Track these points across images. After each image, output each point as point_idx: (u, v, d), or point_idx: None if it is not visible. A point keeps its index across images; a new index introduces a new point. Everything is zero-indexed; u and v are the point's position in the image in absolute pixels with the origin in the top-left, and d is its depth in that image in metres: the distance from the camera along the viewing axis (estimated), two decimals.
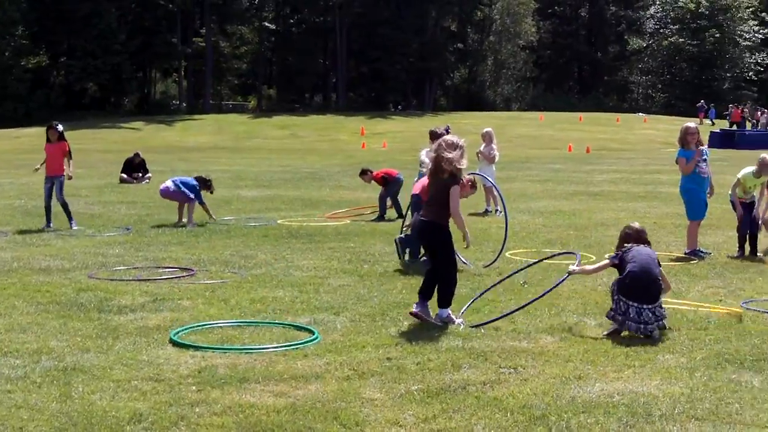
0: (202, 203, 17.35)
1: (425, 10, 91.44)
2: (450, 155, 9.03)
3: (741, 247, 13.87)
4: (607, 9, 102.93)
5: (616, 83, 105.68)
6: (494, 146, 20.01)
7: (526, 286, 11.14)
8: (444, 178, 9.10)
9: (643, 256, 8.95)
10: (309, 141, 59.57)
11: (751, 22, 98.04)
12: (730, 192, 14.15)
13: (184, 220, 17.10)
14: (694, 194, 13.91)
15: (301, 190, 25.28)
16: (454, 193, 9.03)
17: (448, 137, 9.31)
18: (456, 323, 8.95)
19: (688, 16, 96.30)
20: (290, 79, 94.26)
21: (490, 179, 17.74)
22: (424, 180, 12.87)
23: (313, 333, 8.56)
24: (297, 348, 8.07)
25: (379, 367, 7.51)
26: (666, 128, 63.51)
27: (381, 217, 18.52)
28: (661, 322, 8.68)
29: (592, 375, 7.32)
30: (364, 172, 19.74)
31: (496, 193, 17.94)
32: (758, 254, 13.71)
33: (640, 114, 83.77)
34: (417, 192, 13.09)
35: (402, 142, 56.29)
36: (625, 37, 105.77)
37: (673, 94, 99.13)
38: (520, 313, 9.41)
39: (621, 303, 8.68)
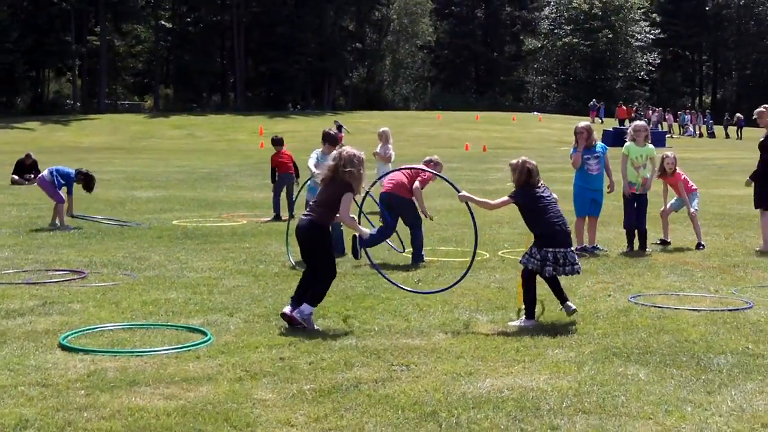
0: (69, 194, 16.81)
1: (323, 9, 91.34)
2: (351, 170, 8.99)
3: (629, 243, 14.17)
4: (502, 10, 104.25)
5: (512, 83, 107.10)
6: (390, 146, 20.11)
7: (420, 283, 11.22)
8: (339, 187, 9.05)
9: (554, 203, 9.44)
10: (207, 141, 59.07)
11: (643, 23, 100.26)
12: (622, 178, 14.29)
13: (58, 221, 16.67)
14: (581, 191, 14.17)
15: (198, 191, 25.05)
16: (346, 200, 9.00)
17: (347, 151, 9.21)
18: (313, 328, 8.86)
19: (582, 17, 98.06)
20: (188, 78, 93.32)
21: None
22: (397, 175, 12.95)
23: (205, 334, 8.49)
24: (189, 350, 7.99)
25: (272, 367, 7.48)
26: (560, 127, 64.63)
27: (277, 217, 18.45)
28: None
29: (482, 371, 7.41)
30: (278, 142, 19.32)
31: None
32: (647, 249, 14.01)
33: (536, 113, 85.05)
34: (387, 190, 13.13)
35: (301, 141, 56.06)
36: (521, 37, 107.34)
37: (567, 93, 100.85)
38: (414, 311, 9.51)
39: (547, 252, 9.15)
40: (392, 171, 13.71)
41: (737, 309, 9.82)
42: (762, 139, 14.43)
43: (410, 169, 13.23)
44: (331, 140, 13.93)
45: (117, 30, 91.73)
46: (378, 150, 20.04)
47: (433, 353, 7.95)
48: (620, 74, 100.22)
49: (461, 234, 15.96)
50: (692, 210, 14.78)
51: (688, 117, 79.14)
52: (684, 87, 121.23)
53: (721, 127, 76.59)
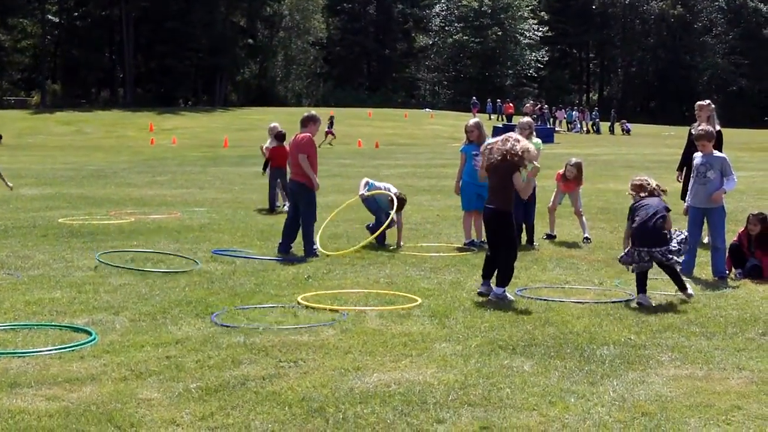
0: None
1: (214, 4, 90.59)
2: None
3: (518, 236, 14.35)
4: (394, 7, 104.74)
5: (404, 79, 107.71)
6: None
7: (310, 280, 11.21)
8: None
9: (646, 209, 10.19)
10: (95, 137, 57.97)
11: (531, 21, 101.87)
12: None
13: None
14: (467, 186, 14.31)
15: (85, 188, 24.58)
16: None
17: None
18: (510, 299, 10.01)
19: (472, 15, 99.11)
20: (75, 73, 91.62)
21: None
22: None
23: (90, 334, 8.34)
24: (73, 350, 7.84)
25: (158, 366, 7.38)
26: (452, 123, 65.23)
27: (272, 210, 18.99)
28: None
29: (370, 366, 7.43)
30: (282, 137, 18.84)
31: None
32: (534, 243, 14.23)
33: (427, 110, 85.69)
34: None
35: (192, 138, 55.67)
36: (412, 34, 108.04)
37: (458, 90, 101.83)
38: (301, 308, 9.50)
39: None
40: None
41: (620, 300, 10.04)
42: (693, 132, 14.70)
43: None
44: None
45: (2, 24, 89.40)
46: (267, 145, 19.96)
47: (321, 349, 7.95)
48: (510, 71, 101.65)
49: (352, 230, 15.97)
50: (578, 207, 15.10)
51: (575, 114, 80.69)
52: (571, 84, 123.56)
53: (607, 123, 78.20)
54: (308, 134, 13.50)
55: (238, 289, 10.58)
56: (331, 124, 50.66)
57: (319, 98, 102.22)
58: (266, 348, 7.96)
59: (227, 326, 8.73)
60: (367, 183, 14.64)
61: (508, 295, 10.11)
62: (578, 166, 15.02)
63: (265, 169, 19.98)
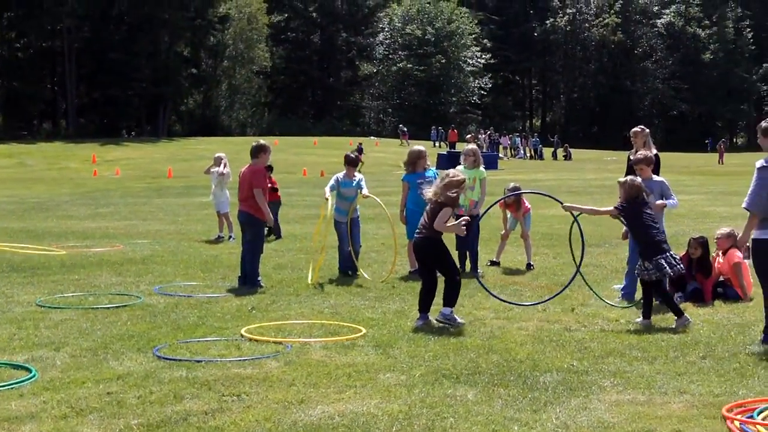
0: None
1: (157, 34, 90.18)
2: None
3: (461, 264, 14.42)
4: (338, 35, 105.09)
5: (349, 108, 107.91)
6: (227, 170, 20.00)
7: (254, 312, 11.15)
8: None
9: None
10: (37, 170, 57.26)
11: (474, 49, 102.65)
12: None
13: None
14: (413, 214, 14.34)
15: (26, 222, 24.27)
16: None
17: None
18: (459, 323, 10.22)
19: (416, 43, 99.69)
20: (17, 105, 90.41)
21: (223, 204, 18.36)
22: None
23: (30, 371, 8.22)
24: (12, 388, 7.71)
25: (99, 402, 7.29)
26: (396, 151, 65.41)
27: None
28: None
29: (314, 398, 7.40)
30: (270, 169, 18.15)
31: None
32: (479, 271, 14.28)
33: (372, 137, 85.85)
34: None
35: (135, 169, 55.25)
36: (356, 62, 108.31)
37: (403, 117, 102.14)
38: (246, 340, 9.44)
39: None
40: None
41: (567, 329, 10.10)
42: (632, 157, 14.85)
43: None
44: (352, 163, 14.58)
45: None
46: (214, 170, 19.96)
47: (264, 382, 7.90)
48: (454, 99, 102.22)
49: (297, 260, 15.93)
50: (527, 230, 15.26)
51: (518, 140, 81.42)
52: (515, 110, 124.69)
53: (550, 149, 78.98)
54: (261, 166, 13.45)
55: (180, 323, 10.49)
56: (360, 151, 51.23)
57: (264, 127, 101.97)
58: (209, 382, 7.89)
59: (169, 360, 8.66)
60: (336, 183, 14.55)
61: (456, 317, 10.23)
62: (515, 191, 15.15)
63: None
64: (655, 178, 11.93)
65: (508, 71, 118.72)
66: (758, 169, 9.11)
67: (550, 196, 11.78)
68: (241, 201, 13.46)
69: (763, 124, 9.36)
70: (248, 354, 8.93)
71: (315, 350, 9.09)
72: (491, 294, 11.34)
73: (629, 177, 10.94)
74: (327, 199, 14.09)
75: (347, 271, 14.30)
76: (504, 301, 11.23)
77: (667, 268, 10.33)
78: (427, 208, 10.69)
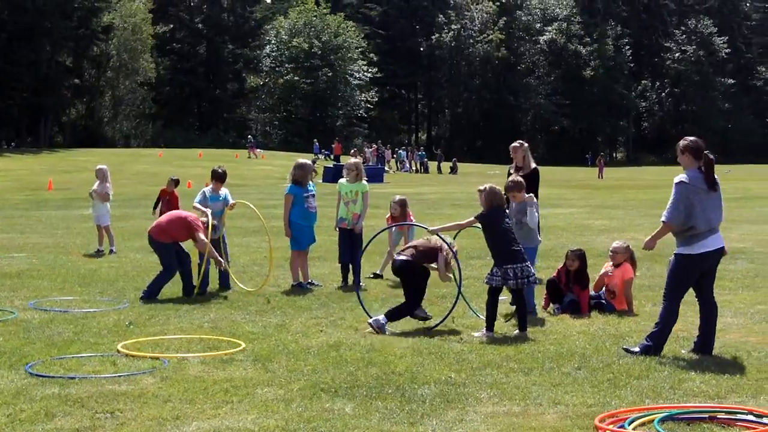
0: None
1: (39, 44, 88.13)
2: None
3: (344, 278, 14.45)
4: (224, 47, 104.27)
5: (235, 120, 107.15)
6: (108, 184, 19.67)
7: (131, 326, 10.96)
8: None
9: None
10: None
11: (361, 62, 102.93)
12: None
13: None
14: (299, 227, 14.33)
15: None
16: None
17: None
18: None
19: (302, 56, 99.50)
20: None
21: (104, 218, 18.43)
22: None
23: None
24: None
25: None
26: (282, 164, 65.12)
27: None
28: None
29: (189, 414, 7.30)
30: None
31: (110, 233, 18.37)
32: (361, 284, 14.30)
33: (259, 150, 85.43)
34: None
35: (15, 180, 53.78)
36: (243, 74, 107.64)
37: (289, 130, 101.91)
38: (121, 356, 9.27)
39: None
40: None
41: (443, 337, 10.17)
42: (512, 173, 15.02)
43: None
44: (219, 177, 14.45)
45: None
46: (95, 188, 19.54)
47: (139, 398, 7.76)
48: (340, 112, 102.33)
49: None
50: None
51: (404, 153, 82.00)
52: (401, 124, 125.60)
53: (435, 162, 79.72)
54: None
55: (55, 338, 10.25)
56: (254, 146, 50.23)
57: (148, 139, 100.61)
58: (82, 399, 7.72)
59: (42, 377, 8.44)
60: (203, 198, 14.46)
61: (387, 328, 10.64)
62: (402, 203, 15.26)
63: (155, 208, 20.70)
64: (525, 197, 12.06)
65: (394, 85, 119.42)
66: (676, 183, 9.38)
67: (419, 225, 11.72)
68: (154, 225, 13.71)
69: (682, 143, 9.64)
70: (124, 370, 8.77)
71: (192, 365, 8.97)
72: (366, 312, 11.29)
73: (488, 185, 11.06)
74: (206, 214, 13.90)
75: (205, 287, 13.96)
76: (374, 319, 11.08)
77: (511, 279, 10.54)
78: (419, 242, 11.66)
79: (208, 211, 13.95)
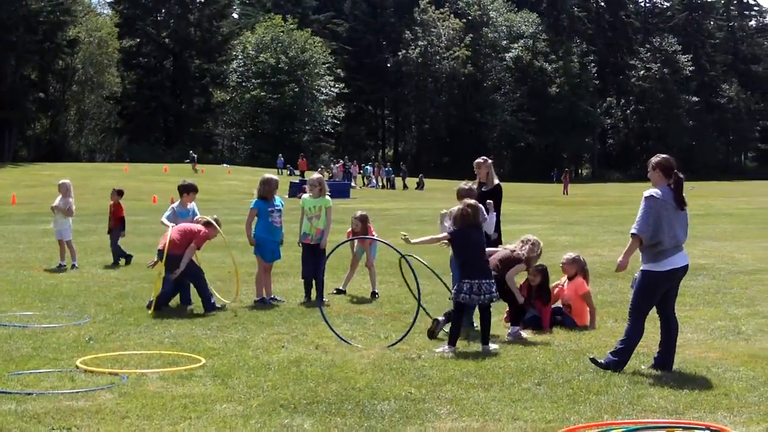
0: None
1: (4, 57, 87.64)
2: None
3: (307, 293, 14.42)
4: (191, 62, 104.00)
5: (202, 135, 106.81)
6: (71, 199, 19.54)
7: (91, 342, 10.88)
8: None
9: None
10: None
11: (328, 78, 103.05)
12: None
13: None
14: (264, 242, 14.32)
15: None
16: None
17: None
18: None
19: (269, 71, 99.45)
20: None
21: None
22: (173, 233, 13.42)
23: None
24: None
25: None
26: (249, 179, 65.03)
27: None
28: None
29: (147, 430, 7.25)
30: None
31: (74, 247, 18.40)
32: (324, 299, 14.27)
33: (225, 165, 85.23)
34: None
35: None
36: (210, 89, 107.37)
37: (256, 145, 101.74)
38: (79, 372, 9.20)
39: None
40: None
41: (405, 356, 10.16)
42: (476, 189, 15.07)
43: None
44: (186, 190, 14.56)
45: None
46: (58, 203, 19.40)
47: (97, 414, 7.69)
48: (307, 127, 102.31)
49: (139, 289, 15.62)
50: (372, 259, 15.37)
51: (371, 169, 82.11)
52: (368, 140, 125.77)
53: (400, 178, 79.86)
54: (209, 234, 13.93)
55: (13, 354, 10.16)
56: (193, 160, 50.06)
57: (114, 153, 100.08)
58: (38, 415, 7.64)
59: None
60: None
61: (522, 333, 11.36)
62: (363, 219, 15.28)
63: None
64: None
65: (361, 101, 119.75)
66: (646, 197, 9.46)
67: (380, 241, 11.72)
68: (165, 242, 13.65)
69: (654, 159, 9.74)
70: (82, 386, 8.69)
71: (151, 381, 8.92)
72: (331, 328, 11.27)
73: (455, 207, 11.14)
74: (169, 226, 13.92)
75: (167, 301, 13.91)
76: (340, 338, 11.07)
77: (465, 294, 10.62)
78: (502, 255, 11.72)
79: (171, 226, 13.93)
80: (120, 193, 20.82)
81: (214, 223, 14.03)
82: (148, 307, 13.28)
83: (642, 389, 8.71)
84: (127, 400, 8.19)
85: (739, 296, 14.99)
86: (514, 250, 11.82)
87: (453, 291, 10.96)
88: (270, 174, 15.56)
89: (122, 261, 19.73)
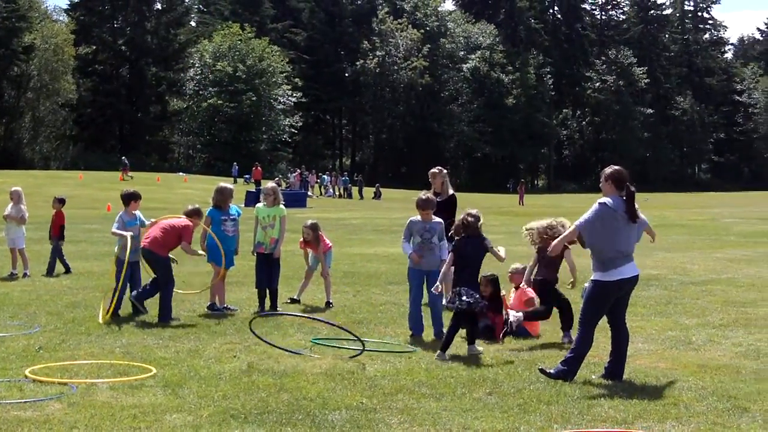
0: None
1: None
2: None
3: (261, 303, 14.37)
4: (147, 69, 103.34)
5: (158, 143, 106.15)
6: (23, 206, 19.34)
7: (41, 351, 10.77)
8: None
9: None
10: None
11: (285, 87, 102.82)
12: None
13: None
14: (214, 249, 14.28)
15: None
16: None
17: None
18: None
19: (227, 80, 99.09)
20: None
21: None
22: (154, 231, 13.66)
23: None
24: None
25: None
26: (204, 187, 64.67)
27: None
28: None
29: None
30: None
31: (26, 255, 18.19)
32: (278, 308, 14.24)
33: (181, 173, 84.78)
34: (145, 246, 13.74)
35: None
36: (166, 97, 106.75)
37: (213, 154, 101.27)
38: (28, 382, 9.10)
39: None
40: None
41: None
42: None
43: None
44: (130, 198, 14.36)
45: None
46: (9, 211, 19.19)
47: (45, 425, 7.61)
48: (264, 136, 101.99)
49: (91, 298, 15.48)
50: (327, 268, 15.36)
51: (328, 178, 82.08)
52: (325, 149, 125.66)
53: (356, 187, 79.92)
54: (192, 225, 13.97)
55: None
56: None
57: (69, 161, 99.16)
58: None
59: None
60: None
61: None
62: (314, 227, 15.28)
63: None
64: (436, 219, 12.27)
65: (318, 110, 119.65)
66: (599, 203, 9.62)
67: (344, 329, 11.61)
68: (148, 238, 13.69)
69: (607, 170, 9.85)
70: (30, 396, 8.60)
71: (101, 391, 8.84)
72: (265, 341, 11.21)
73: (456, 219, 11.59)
74: (129, 237, 13.85)
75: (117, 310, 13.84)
76: (284, 349, 11.05)
77: (464, 299, 10.90)
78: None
79: (128, 234, 13.86)
80: (62, 201, 20.45)
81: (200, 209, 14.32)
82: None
83: (592, 399, 8.76)
84: (75, 410, 8.11)
85: (690, 307, 15.14)
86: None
87: (449, 301, 11.28)
88: (225, 183, 15.52)
89: (62, 270, 19.38)
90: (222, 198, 14.53)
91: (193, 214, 14.19)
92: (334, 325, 11.70)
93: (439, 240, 12.19)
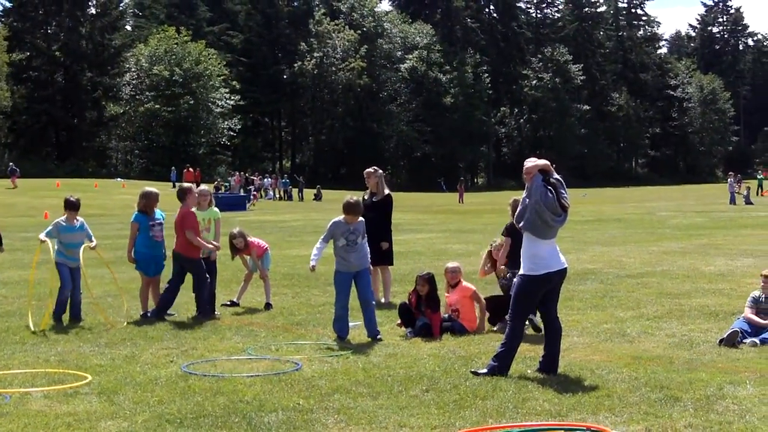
0: None
1: None
2: None
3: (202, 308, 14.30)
4: (82, 75, 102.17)
5: (95, 149, 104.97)
6: None
7: None
8: None
9: None
10: None
11: (223, 90, 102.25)
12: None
13: None
14: (144, 257, 14.21)
15: None
16: None
17: None
18: None
19: (163, 84, 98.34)
20: None
21: None
22: None
23: None
24: None
25: None
26: None
27: None
28: None
29: None
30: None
31: None
32: (216, 312, 14.19)
33: (119, 179, 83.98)
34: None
35: None
36: (102, 103, 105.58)
37: (151, 159, 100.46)
38: None
39: None
40: None
41: (285, 372, 10.01)
42: (366, 199, 15.13)
43: None
44: (73, 207, 14.12)
45: None
46: None
47: None
48: (203, 140, 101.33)
49: (25, 307, 15.24)
50: (265, 271, 15.32)
51: (268, 181, 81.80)
52: (265, 152, 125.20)
53: (297, 190, 79.76)
54: (188, 209, 13.92)
55: None
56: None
57: (3, 169, 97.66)
58: None
59: None
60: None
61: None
62: (241, 234, 15.24)
63: None
64: (360, 220, 12.23)
65: (257, 113, 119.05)
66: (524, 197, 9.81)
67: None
68: (176, 242, 13.92)
69: (527, 165, 9.94)
70: None
71: (35, 400, 8.76)
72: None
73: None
74: (42, 242, 13.72)
75: (61, 316, 13.73)
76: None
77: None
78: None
79: (50, 245, 13.77)
80: None
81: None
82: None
83: (527, 393, 8.86)
84: (8, 420, 8.03)
85: (626, 299, 15.35)
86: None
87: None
88: (150, 187, 15.41)
89: None
90: (148, 203, 14.45)
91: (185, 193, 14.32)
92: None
93: (362, 239, 12.15)
